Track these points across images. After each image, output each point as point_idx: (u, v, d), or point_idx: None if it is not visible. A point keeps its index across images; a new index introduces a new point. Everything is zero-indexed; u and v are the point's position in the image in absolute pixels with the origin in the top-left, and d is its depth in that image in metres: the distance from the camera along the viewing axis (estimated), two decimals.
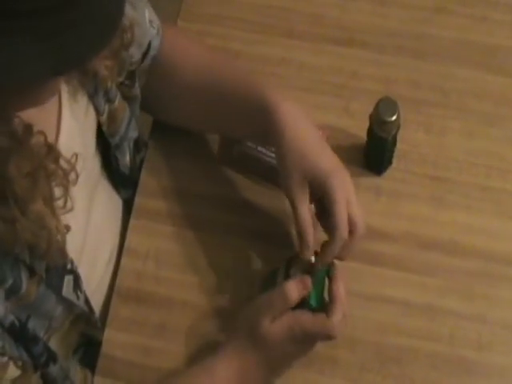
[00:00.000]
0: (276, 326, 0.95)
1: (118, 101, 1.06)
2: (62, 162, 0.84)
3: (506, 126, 1.23)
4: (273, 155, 1.10)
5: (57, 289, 0.91)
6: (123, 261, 1.13)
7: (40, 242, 0.81)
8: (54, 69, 0.60)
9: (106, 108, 1.03)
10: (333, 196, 0.98)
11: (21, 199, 0.76)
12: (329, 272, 1.02)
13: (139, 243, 1.14)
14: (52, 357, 0.94)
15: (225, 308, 1.10)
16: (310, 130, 1.03)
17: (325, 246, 1.00)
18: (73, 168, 0.85)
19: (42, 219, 0.80)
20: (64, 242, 0.86)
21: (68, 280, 0.93)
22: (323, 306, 0.99)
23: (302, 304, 0.98)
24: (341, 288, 0.99)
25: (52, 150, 0.81)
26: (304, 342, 0.99)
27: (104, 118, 1.03)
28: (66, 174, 0.83)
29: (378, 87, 1.25)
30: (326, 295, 1.01)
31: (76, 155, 0.86)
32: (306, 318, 0.96)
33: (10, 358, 0.82)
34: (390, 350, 1.07)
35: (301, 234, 1.00)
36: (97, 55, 0.62)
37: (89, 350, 1.09)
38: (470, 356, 1.07)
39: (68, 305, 0.96)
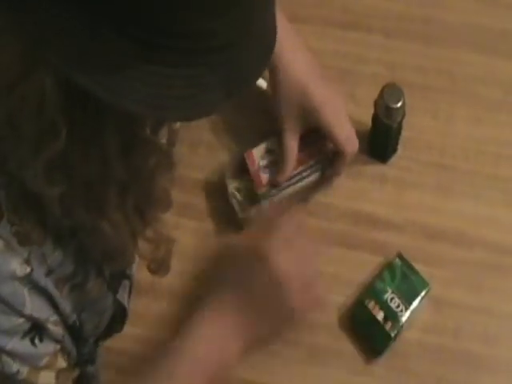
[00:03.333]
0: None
1: None
2: None
3: None
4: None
5: (114, 291, 0.92)
6: None
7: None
8: (228, 93, 0.63)
9: None
10: (329, 128, 1.08)
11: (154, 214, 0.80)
12: None
13: None
14: (93, 358, 0.95)
15: None
16: (306, 60, 1.10)
17: (335, 163, 1.10)
18: None
19: (161, 231, 0.82)
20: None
21: (124, 284, 0.95)
22: None
23: None
24: None
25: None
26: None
27: None
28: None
29: (383, 72, 1.22)
30: None
31: None
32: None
33: (63, 349, 0.83)
34: (394, 343, 1.05)
35: (284, 162, 1.09)
36: (261, 74, 0.66)
37: None
38: (476, 349, 1.06)
39: (118, 308, 0.96)
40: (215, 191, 1.15)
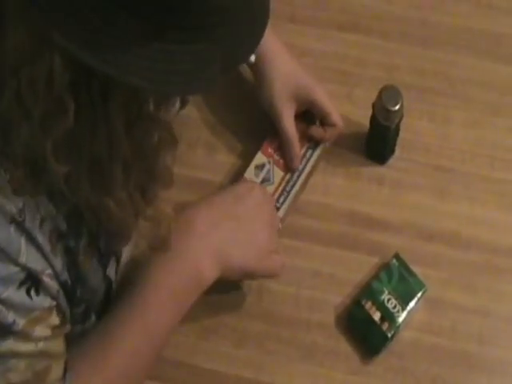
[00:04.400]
0: None
1: None
2: None
3: (511, 115, 1.21)
4: None
5: (104, 267, 0.93)
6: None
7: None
8: (224, 68, 0.65)
9: None
10: (323, 101, 1.14)
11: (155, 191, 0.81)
12: None
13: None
14: (84, 320, 0.95)
15: (228, 298, 1.09)
16: (289, 55, 1.16)
17: (328, 132, 1.15)
18: None
19: (162, 209, 0.83)
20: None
21: (113, 260, 0.95)
22: None
23: None
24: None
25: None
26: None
27: None
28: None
29: (382, 74, 1.23)
30: None
31: None
32: None
33: (58, 306, 0.83)
34: (391, 343, 1.06)
35: (289, 146, 1.13)
36: (252, 54, 0.69)
37: None
38: (471, 350, 1.06)
39: (108, 285, 0.96)
40: (213, 190, 1.16)
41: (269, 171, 1.13)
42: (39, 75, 0.62)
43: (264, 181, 1.13)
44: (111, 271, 0.96)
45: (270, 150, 1.14)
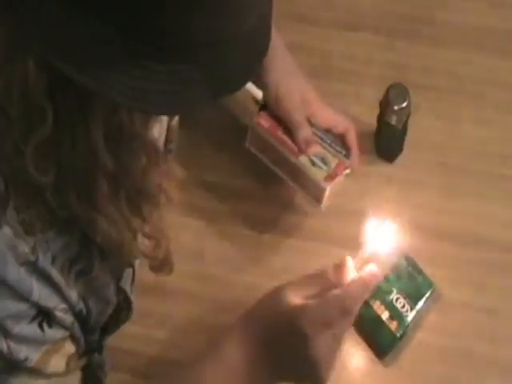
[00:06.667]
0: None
1: None
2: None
3: None
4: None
5: (117, 278, 0.92)
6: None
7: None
8: (215, 93, 0.64)
9: None
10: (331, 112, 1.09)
11: (149, 209, 0.79)
12: None
13: None
14: (100, 347, 0.94)
15: (231, 299, 1.08)
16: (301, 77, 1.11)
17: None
18: None
19: (161, 227, 0.82)
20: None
21: (127, 272, 0.94)
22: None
23: None
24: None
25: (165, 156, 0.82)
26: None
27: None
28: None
29: (390, 73, 1.22)
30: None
31: None
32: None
33: (72, 336, 0.83)
34: (400, 343, 1.05)
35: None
36: (250, 78, 0.67)
37: None
38: (481, 349, 1.05)
39: (121, 296, 0.95)
40: (219, 191, 1.16)
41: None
42: (15, 79, 0.62)
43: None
44: (126, 283, 0.95)
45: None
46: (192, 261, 1.10)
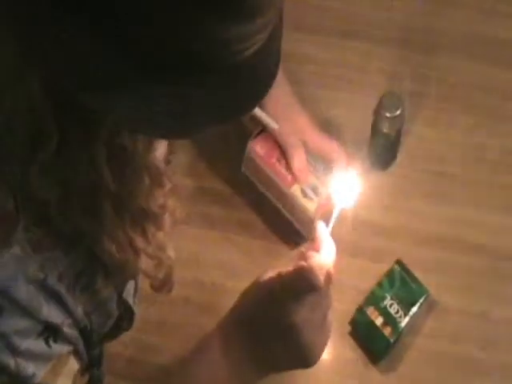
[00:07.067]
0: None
1: None
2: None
3: None
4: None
5: (120, 291, 0.92)
6: None
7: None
8: (222, 119, 0.65)
9: None
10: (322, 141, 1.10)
11: (153, 230, 0.79)
12: None
13: None
14: (100, 361, 0.95)
15: (227, 305, 1.08)
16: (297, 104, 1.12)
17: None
18: None
19: (164, 247, 0.82)
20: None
21: (130, 283, 0.94)
22: None
23: None
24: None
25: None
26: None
27: None
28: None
29: (383, 81, 1.23)
30: None
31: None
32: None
33: (75, 351, 0.83)
34: (394, 348, 1.06)
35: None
36: (255, 107, 0.67)
37: None
38: (474, 354, 1.06)
39: (124, 307, 0.95)
40: (215, 198, 1.17)
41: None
42: (20, 99, 0.62)
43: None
44: (128, 294, 0.95)
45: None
46: (188, 266, 1.11)
